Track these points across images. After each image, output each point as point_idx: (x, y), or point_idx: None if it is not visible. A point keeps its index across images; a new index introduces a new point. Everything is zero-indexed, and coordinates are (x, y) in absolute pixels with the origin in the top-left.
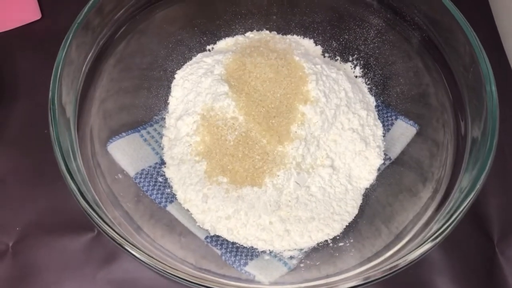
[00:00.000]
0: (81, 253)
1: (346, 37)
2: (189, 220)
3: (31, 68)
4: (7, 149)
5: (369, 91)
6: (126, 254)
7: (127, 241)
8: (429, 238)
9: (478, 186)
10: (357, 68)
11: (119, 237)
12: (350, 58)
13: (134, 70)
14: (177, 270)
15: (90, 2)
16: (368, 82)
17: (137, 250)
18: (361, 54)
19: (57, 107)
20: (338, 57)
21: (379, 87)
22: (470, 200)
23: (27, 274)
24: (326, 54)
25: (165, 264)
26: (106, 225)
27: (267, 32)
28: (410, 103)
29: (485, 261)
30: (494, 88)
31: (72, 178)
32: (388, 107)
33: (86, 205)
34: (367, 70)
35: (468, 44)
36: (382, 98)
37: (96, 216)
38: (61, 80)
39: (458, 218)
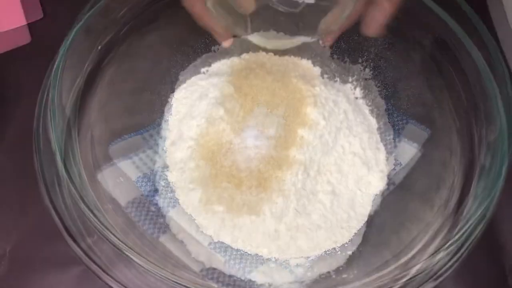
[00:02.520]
0: None
1: (356, 38)
2: (183, 252)
3: (30, 68)
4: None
5: (370, 113)
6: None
7: (130, 248)
8: (435, 274)
9: (486, 217)
10: (358, 89)
11: (121, 243)
12: (360, 60)
13: (124, 94)
14: (179, 277)
15: (91, 4)
16: (379, 84)
17: (140, 257)
18: (371, 56)
19: (57, 107)
20: (337, 78)
21: (389, 90)
22: (477, 233)
23: None
24: (325, 75)
25: (170, 272)
26: (108, 232)
27: (264, 53)
28: (421, 107)
29: None
30: (501, 108)
31: (72, 182)
32: (398, 110)
33: (87, 210)
34: (378, 72)
35: (471, 60)
36: (393, 101)
37: (97, 221)
38: (62, 80)
39: (465, 253)
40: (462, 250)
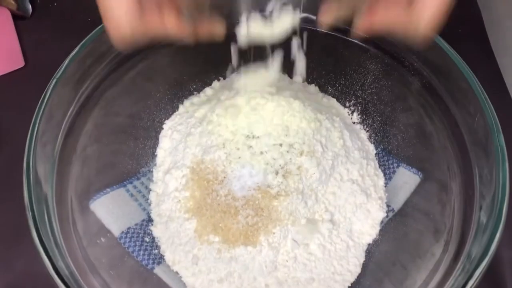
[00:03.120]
0: None
1: (343, 82)
2: (178, 284)
3: (12, 116)
4: None
5: (368, 138)
6: None
7: None
8: None
9: (487, 258)
10: (355, 114)
11: None
12: (347, 104)
13: (120, 120)
14: None
15: (69, 57)
16: (367, 129)
17: None
18: (359, 100)
19: (32, 173)
20: None
21: (379, 134)
22: (482, 269)
23: None
24: None
25: None
26: None
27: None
28: (412, 150)
29: None
30: (501, 137)
31: (46, 252)
32: (389, 154)
33: (59, 281)
34: (366, 117)
35: (471, 92)
36: (382, 146)
37: None
38: (37, 141)
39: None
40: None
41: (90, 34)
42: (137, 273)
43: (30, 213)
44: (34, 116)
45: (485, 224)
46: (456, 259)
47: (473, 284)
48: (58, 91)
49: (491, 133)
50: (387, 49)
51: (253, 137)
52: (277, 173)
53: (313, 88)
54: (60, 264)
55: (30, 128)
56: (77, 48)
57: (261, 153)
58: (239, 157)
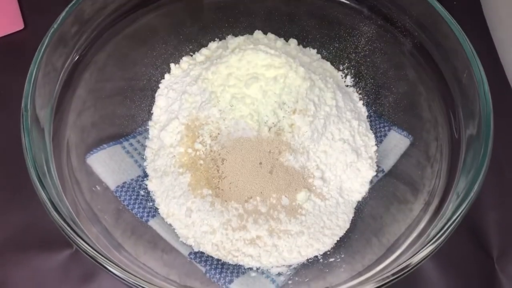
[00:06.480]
0: (58, 272)
1: (337, 45)
2: (172, 236)
3: (11, 79)
4: None
5: (361, 101)
6: (106, 273)
7: (106, 258)
8: (427, 244)
9: (474, 190)
10: (348, 77)
11: (98, 254)
12: (341, 67)
13: (116, 80)
14: None
15: (67, 9)
16: (360, 91)
17: (117, 268)
18: (352, 63)
19: (30, 115)
20: None
21: (371, 97)
22: (466, 205)
23: None
24: None
25: (147, 282)
26: (83, 242)
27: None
28: (402, 112)
29: (484, 279)
30: (487, 89)
31: (46, 192)
32: (380, 117)
33: (61, 221)
34: (359, 79)
35: (460, 49)
36: (374, 108)
37: (72, 232)
38: (35, 87)
39: (455, 224)
40: (446, 227)
41: None
42: (135, 222)
43: (29, 155)
44: (31, 64)
45: (466, 178)
46: (434, 216)
47: (451, 224)
48: (55, 41)
49: (477, 85)
50: (380, 10)
51: (247, 94)
52: (269, 130)
53: (307, 51)
54: (57, 201)
55: (28, 75)
56: (73, 1)
57: (254, 110)
58: (233, 114)
